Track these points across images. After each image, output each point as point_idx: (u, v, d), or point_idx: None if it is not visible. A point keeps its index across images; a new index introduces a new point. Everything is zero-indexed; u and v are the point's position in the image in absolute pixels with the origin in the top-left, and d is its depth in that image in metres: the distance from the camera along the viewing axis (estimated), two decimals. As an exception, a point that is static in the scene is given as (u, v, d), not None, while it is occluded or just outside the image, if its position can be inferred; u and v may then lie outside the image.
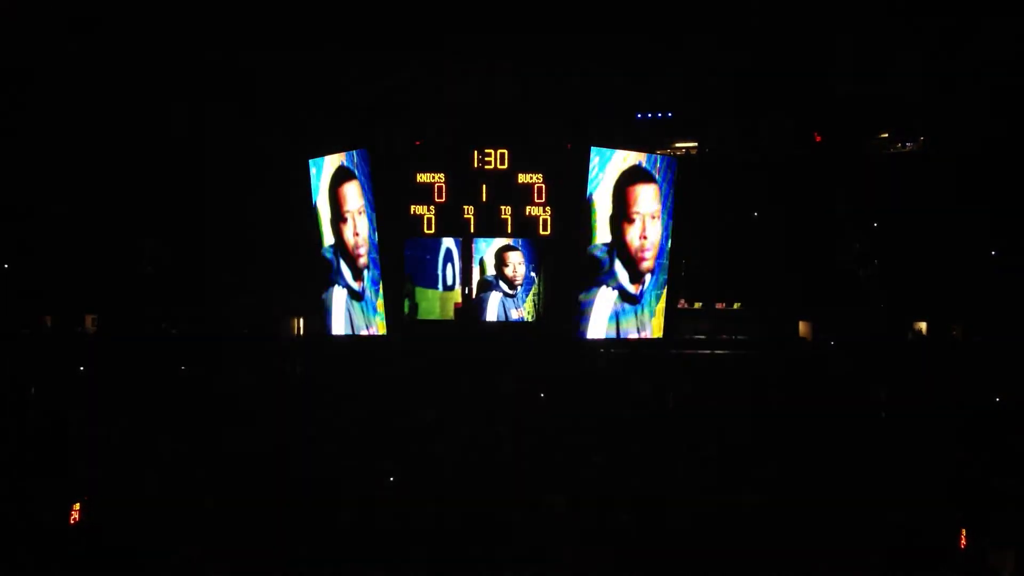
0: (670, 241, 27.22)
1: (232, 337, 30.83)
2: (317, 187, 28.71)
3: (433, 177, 27.07)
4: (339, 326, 28.79)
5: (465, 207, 26.90)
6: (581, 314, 26.62)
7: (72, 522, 16.48)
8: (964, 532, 15.58)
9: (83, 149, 32.94)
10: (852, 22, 30.97)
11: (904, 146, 34.03)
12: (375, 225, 27.11)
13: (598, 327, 26.74)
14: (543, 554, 15.46)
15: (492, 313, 26.91)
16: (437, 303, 27.12)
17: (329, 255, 28.76)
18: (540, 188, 26.67)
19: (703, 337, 30.17)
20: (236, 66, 29.43)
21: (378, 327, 27.62)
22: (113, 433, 20.41)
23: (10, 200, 32.33)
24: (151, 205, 33.08)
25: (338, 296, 28.71)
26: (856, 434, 20.83)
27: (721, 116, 33.38)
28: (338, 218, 28.13)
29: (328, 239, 28.68)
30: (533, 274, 26.70)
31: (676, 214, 27.10)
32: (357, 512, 16.46)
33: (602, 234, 26.52)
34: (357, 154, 27.42)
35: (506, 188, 26.76)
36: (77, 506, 16.59)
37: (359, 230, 27.61)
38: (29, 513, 16.48)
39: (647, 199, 26.78)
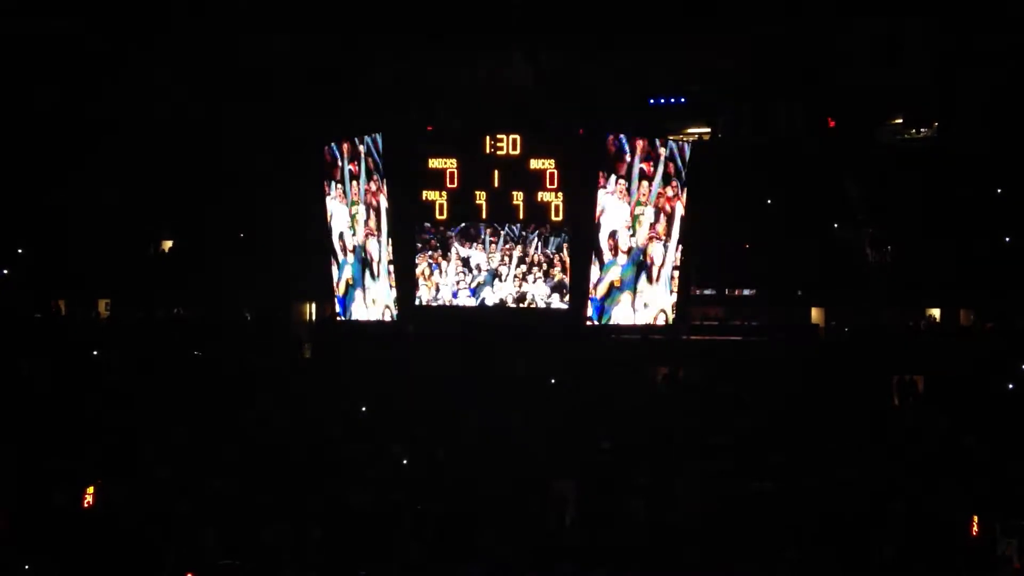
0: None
1: (244, 322, 31.03)
2: (330, 172, 28.75)
3: (445, 162, 27.01)
4: (350, 311, 28.86)
5: (477, 192, 26.83)
6: (592, 299, 26.63)
7: (86, 505, 16.59)
8: (976, 519, 15.53)
9: (96, 134, 33.10)
10: (865, 6, 30.81)
11: (918, 132, 33.93)
12: (387, 210, 27.12)
13: (610, 313, 26.75)
14: (553, 542, 15.51)
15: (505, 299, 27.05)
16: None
17: (341, 240, 28.82)
18: (552, 174, 26.57)
19: (715, 323, 30.18)
20: (250, 51, 29.44)
21: (389, 312, 27.68)
22: (126, 417, 20.56)
23: (24, 185, 32.55)
24: (164, 190, 33.27)
25: (350, 281, 28.76)
26: (868, 421, 20.82)
27: (734, 102, 33.30)
28: (350, 203, 28.17)
29: (340, 224, 28.74)
30: (544, 261, 26.74)
31: (689, 200, 27.07)
32: (367, 497, 16.52)
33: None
34: (369, 139, 27.40)
35: (518, 174, 26.68)
36: (91, 489, 16.68)
37: (371, 215, 27.65)
38: (43, 496, 16.63)
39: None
